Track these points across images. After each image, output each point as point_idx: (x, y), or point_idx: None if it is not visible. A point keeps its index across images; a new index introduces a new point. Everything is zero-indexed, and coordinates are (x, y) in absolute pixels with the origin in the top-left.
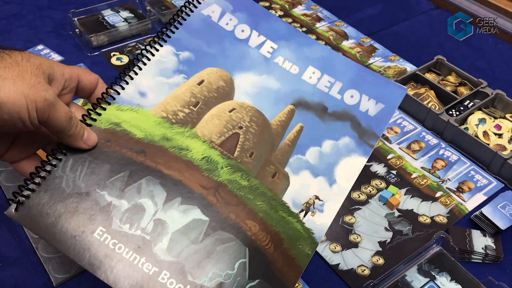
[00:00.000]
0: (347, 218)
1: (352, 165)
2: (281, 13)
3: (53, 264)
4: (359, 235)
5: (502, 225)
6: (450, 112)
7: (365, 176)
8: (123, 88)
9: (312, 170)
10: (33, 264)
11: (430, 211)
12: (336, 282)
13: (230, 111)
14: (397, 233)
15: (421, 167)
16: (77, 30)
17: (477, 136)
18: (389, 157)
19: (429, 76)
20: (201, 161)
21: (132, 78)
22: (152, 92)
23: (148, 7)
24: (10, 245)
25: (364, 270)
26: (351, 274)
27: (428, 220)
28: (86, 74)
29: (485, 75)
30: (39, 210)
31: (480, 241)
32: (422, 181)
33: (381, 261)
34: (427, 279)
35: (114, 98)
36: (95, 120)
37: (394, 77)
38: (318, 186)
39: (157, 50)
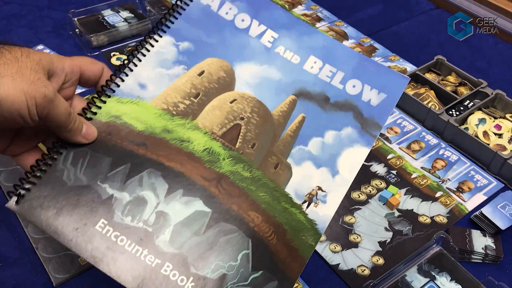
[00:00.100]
0: (347, 218)
1: (354, 156)
2: None
3: (53, 264)
4: (359, 235)
5: (502, 225)
6: (450, 112)
7: (365, 176)
8: (122, 80)
9: (314, 161)
10: (33, 264)
11: (430, 211)
12: (336, 282)
13: (231, 102)
14: (397, 233)
15: (421, 167)
16: (77, 30)
17: (477, 136)
18: (389, 157)
19: (429, 76)
20: (202, 153)
21: (131, 70)
22: (152, 83)
23: (148, 7)
24: (10, 245)
25: (364, 270)
26: (351, 274)
27: (428, 220)
28: (89, 65)
29: (485, 75)
30: (40, 203)
31: (480, 241)
32: (422, 181)
33: (381, 261)
34: (427, 279)
35: (114, 91)
36: (95, 113)
37: None
38: (320, 177)
39: (157, 41)
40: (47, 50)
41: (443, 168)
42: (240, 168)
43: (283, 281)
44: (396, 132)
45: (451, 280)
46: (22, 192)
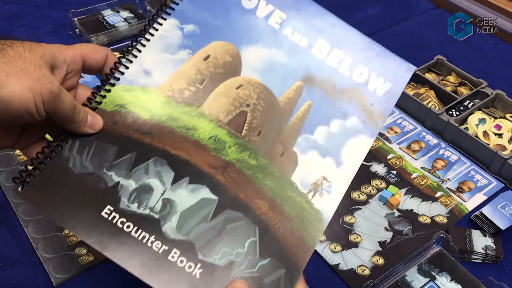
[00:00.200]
0: (347, 218)
1: (359, 146)
2: None
3: (53, 264)
4: (359, 235)
5: (502, 225)
6: (450, 112)
7: (365, 176)
8: (127, 68)
9: (320, 150)
10: (33, 264)
11: (430, 211)
12: (336, 282)
13: (237, 88)
14: (397, 233)
15: (421, 167)
16: (77, 30)
17: (477, 136)
18: (389, 157)
19: (429, 76)
20: (208, 141)
21: (136, 56)
22: (157, 70)
23: (148, 7)
24: (10, 245)
25: (364, 270)
26: (351, 274)
27: (428, 220)
28: (91, 53)
29: (485, 75)
30: (45, 189)
31: (480, 241)
32: (422, 181)
33: (381, 261)
34: (427, 279)
35: (118, 79)
36: (100, 103)
37: None
38: (325, 167)
39: (161, 24)
40: None
41: (443, 168)
42: (246, 156)
43: (290, 269)
44: (396, 132)
45: (451, 280)
46: (27, 178)
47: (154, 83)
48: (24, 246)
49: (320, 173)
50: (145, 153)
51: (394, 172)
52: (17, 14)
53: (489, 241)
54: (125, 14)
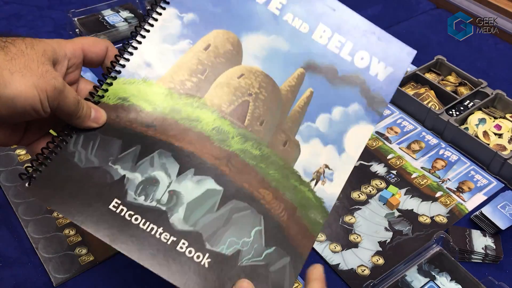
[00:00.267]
0: (347, 218)
1: (360, 133)
2: None
3: (53, 264)
4: (359, 235)
5: (502, 225)
6: (450, 112)
7: (365, 176)
8: (128, 60)
9: (322, 138)
10: (33, 264)
11: (430, 211)
12: (336, 282)
13: (238, 78)
14: (397, 233)
15: (421, 167)
16: (77, 30)
17: (477, 136)
18: (389, 157)
19: (429, 76)
20: (211, 132)
21: (136, 48)
22: (158, 61)
23: (148, 7)
24: (10, 245)
25: (364, 270)
26: (351, 274)
27: (428, 220)
28: (92, 46)
29: (485, 75)
30: (52, 184)
31: (480, 241)
32: (422, 181)
33: (381, 261)
34: (427, 279)
35: (120, 72)
36: (102, 96)
37: None
38: (328, 155)
39: (160, 14)
40: None
41: (443, 168)
42: (249, 146)
43: (295, 257)
44: (396, 132)
45: (451, 280)
46: (34, 174)
47: (156, 74)
48: (24, 246)
49: (322, 161)
50: (149, 145)
51: (394, 172)
52: (17, 14)
53: (489, 241)
54: (125, 14)
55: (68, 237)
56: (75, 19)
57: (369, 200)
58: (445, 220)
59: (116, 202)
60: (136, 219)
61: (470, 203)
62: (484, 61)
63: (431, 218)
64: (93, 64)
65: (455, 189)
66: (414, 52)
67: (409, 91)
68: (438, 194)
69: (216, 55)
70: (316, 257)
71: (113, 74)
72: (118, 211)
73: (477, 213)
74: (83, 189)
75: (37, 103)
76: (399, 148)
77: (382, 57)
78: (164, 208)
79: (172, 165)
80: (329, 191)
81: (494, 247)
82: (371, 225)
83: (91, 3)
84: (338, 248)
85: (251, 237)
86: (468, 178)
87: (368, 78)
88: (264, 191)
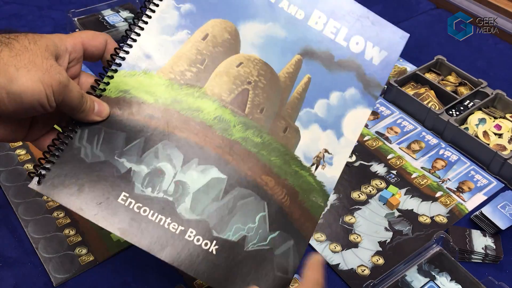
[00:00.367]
0: (347, 218)
1: (357, 117)
2: None
3: (53, 264)
4: (359, 235)
5: (502, 225)
6: (450, 112)
7: (365, 176)
8: (127, 53)
9: (321, 123)
10: (33, 264)
11: (430, 211)
12: (336, 282)
13: (237, 66)
14: (397, 233)
15: (421, 167)
16: (77, 30)
17: (477, 136)
18: (389, 157)
19: (429, 76)
20: (213, 121)
21: (135, 40)
22: (157, 52)
23: None
24: (10, 245)
25: (364, 270)
26: (351, 274)
27: (428, 220)
28: (91, 40)
29: (485, 75)
30: (61, 181)
31: (480, 241)
32: (422, 181)
33: (381, 261)
34: (427, 279)
35: (120, 65)
36: (104, 90)
37: (394, 77)
38: (327, 140)
39: (157, 5)
40: None
41: (443, 168)
42: (250, 134)
43: (298, 240)
44: (396, 132)
45: (451, 280)
46: (43, 172)
47: (156, 66)
48: (24, 246)
49: (322, 146)
50: (153, 137)
51: (394, 172)
52: (17, 14)
53: (489, 241)
54: (125, 14)
55: (68, 237)
56: (75, 19)
57: (369, 200)
58: (445, 220)
59: (124, 195)
60: (145, 210)
61: (470, 203)
62: (484, 61)
63: (431, 218)
64: (93, 58)
65: (455, 189)
66: (407, 35)
67: (409, 91)
68: (438, 194)
69: (214, 45)
70: None
71: (113, 67)
72: (127, 204)
73: (477, 213)
74: (92, 184)
75: (44, 98)
76: (399, 148)
77: (377, 41)
78: (171, 198)
79: (176, 156)
80: (329, 175)
81: (494, 247)
82: (371, 225)
83: (91, 3)
84: (338, 248)
85: (256, 222)
86: (468, 178)
87: (363, 63)
88: (266, 177)
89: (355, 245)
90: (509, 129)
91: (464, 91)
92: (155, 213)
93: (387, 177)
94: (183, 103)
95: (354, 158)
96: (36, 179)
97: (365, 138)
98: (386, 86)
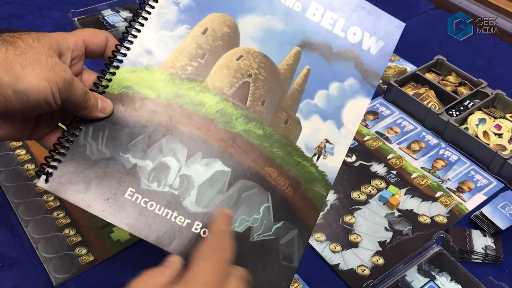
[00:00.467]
0: (347, 218)
1: (357, 107)
2: None
3: (53, 264)
4: (359, 235)
5: (502, 225)
6: (450, 112)
7: (365, 176)
8: (128, 49)
9: (321, 114)
10: (33, 264)
11: (430, 211)
12: (336, 282)
13: (237, 59)
14: (397, 233)
15: (421, 167)
16: None
17: (477, 136)
18: (389, 157)
19: (429, 76)
20: (215, 115)
21: (135, 37)
22: (158, 48)
23: None
24: (10, 245)
25: (364, 270)
26: (351, 274)
27: (428, 220)
28: (92, 37)
29: (485, 75)
30: (68, 179)
31: (480, 241)
32: (422, 181)
33: (381, 261)
34: (427, 279)
35: (121, 61)
36: (106, 86)
37: (394, 77)
38: (327, 130)
39: (156, 1)
40: None
41: (443, 168)
42: (252, 126)
43: (302, 229)
44: (396, 132)
45: (451, 280)
46: (50, 170)
47: (157, 61)
48: (24, 246)
49: (323, 136)
50: (156, 132)
51: (394, 172)
52: (17, 14)
53: (489, 241)
54: (125, 14)
55: (68, 237)
56: (75, 19)
57: (369, 200)
58: (445, 220)
59: (131, 191)
60: (152, 205)
61: (470, 203)
62: (484, 61)
63: (431, 218)
64: (95, 55)
65: (455, 189)
66: (403, 24)
67: (409, 91)
68: (438, 194)
69: (214, 39)
70: (316, 257)
71: (115, 64)
72: (133, 199)
73: (477, 213)
74: (98, 181)
75: (49, 95)
76: (399, 148)
77: (373, 31)
78: (177, 192)
79: (180, 150)
80: (331, 165)
81: (494, 247)
82: (371, 225)
83: (91, 3)
84: (338, 248)
85: (260, 213)
86: (468, 178)
87: (361, 53)
88: (269, 169)
89: (355, 245)
90: (509, 129)
91: (464, 91)
92: (161, 207)
93: (387, 177)
94: (185, 98)
95: (354, 158)
96: (43, 177)
97: (365, 138)
98: (386, 86)
